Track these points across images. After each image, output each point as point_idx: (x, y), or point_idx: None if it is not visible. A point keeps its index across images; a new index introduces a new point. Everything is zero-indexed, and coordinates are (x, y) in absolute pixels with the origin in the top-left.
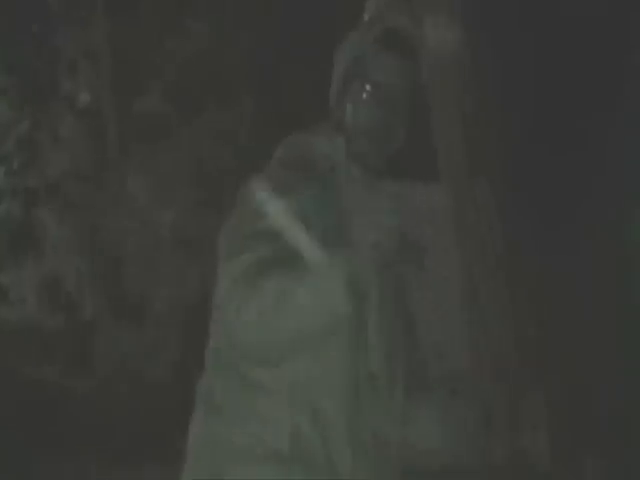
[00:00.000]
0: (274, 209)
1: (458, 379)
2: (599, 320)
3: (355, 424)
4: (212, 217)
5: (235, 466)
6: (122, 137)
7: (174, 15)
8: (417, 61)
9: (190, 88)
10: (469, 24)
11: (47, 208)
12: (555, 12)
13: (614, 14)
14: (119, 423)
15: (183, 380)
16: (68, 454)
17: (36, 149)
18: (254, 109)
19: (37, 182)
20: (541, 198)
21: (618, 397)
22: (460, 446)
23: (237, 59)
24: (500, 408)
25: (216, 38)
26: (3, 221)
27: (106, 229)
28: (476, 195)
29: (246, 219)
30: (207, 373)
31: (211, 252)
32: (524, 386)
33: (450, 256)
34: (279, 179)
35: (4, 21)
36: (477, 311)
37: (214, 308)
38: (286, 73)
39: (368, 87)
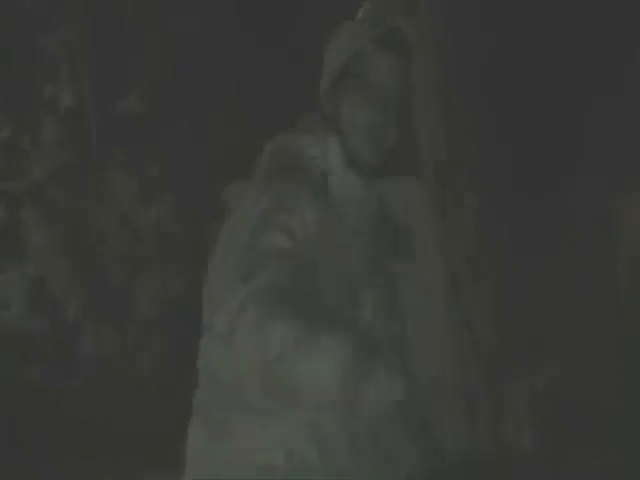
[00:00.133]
0: (270, 223)
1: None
2: (593, 317)
3: (353, 431)
4: (196, 218)
5: (233, 475)
6: (104, 139)
7: (154, 16)
8: (411, 61)
9: (171, 89)
10: (466, 20)
11: (31, 211)
12: (555, 12)
13: (614, 14)
14: (103, 425)
15: (166, 381)
16: (51, 456)
17: (19, 153)
18: (238, 108)
19: (20, 185)
20: (540, 198)
21: (614, 397)
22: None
23: (219, 58)
24: (484, 405)
25: (197, 38)
26: None
27: (89, 230)
28: (458, 191)
29: (243, 230)
30: (201, 388)
31: (195, 253)
32: (508, 383)
33: (433, 252)
34: (276, 188)
35: None
36: (460, 309)
37: (205, 328)
38: (270, 70)
39: (365, 87)
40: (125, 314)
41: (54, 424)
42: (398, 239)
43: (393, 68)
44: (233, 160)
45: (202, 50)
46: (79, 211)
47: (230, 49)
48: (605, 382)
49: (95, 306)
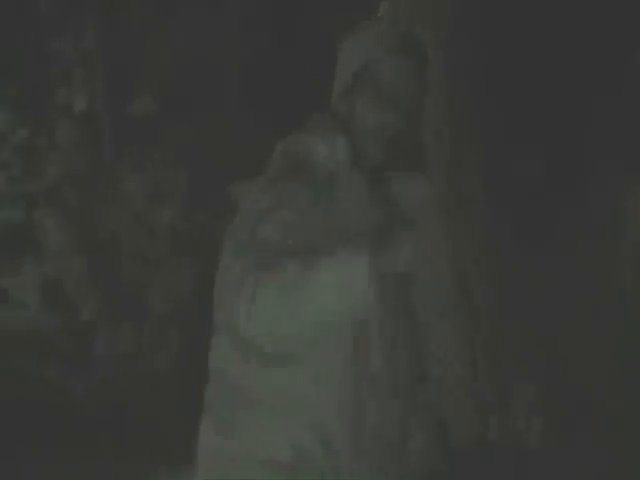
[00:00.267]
0: (273, 220)
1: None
2: (597, 318)
3: (357, 432)
4: (208, 217)
5: (241, 474)
6: (117, 140)
7: (164, 19)
8: (426, 64)
9: (183, 89)
10: (470, 22)
11: (46, 211)
12: (555, 12)
13: (614, 14)
14: (118, 423)
15: (181, 380)
16: (68, 454)
17: (35, 155)
18: (248, 109)
19: (36, 187)
20: (539, 198)
21: (617, 395)
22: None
23: (230, 58)
24: (494, 398)
25: (208, 39)
26: (4, 225)
27: (103, 230)
28: (462, 191)
29: (244, 230)
30: (211, 386)
31: (207, 251)
32: (516, 378)
33: (442, 261)
34: (277, 188)
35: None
36: (468, 309)
37: (215, 327)
38: (283, 69)
39: (380, 88)
40: (140, 313)
41: (72, 423)
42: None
43: (409, 71)
44: (246, 160)
45: (213, 50)
46: (93, 211)
47: (241, 49)
48: (607, 382)
49: (110, 305)
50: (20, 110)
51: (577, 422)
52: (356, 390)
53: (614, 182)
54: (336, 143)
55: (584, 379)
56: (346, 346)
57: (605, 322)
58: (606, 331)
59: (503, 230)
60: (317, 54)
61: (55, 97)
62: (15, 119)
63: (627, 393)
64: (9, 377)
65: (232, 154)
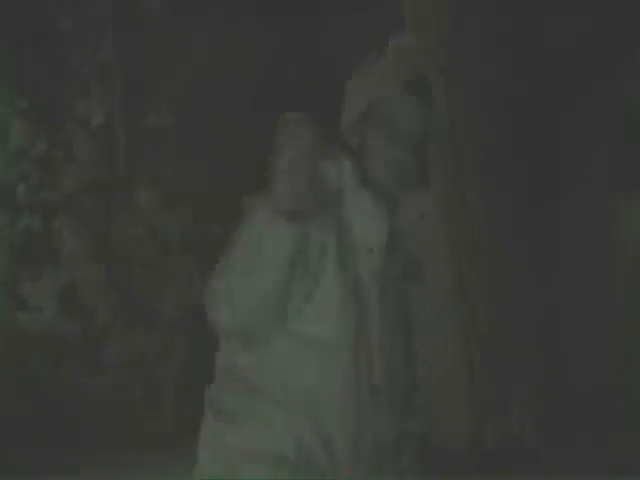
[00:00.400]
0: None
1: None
2: (595, 317)
3: (356, 436)
4: (218, 226)
5: (243, 468)
6: (132, 152)
7: (181, 33)
8: (433, 105)
9: (195, 103)
10: (467, 28)
11: (63, 221)
12: (556, 13)
13: (614, 14)
14: (132, 427)
15: (192, 385)
16: (83, 455)
17: (53, 167)
18: (265, 123)
19: (54, 197)
20: (538, 199)
21: (617, 394)
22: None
23: (244, 71)
24: (490, 399)
25: (220, 53)
26: (23, 234)
27: (118, 239)
28: (462, 191)
29: (237, 246)
30: (216, 384)
31: (217, 259)
32: (512, 378)
33: (441, 262)
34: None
35: (20, 46)
36: (466, 309)
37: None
38: (295, 82)
39: (391, 128)
40: (152, 319)
41: (85, 425)
42: (407, 267)
43: (421, 114)
44: (261, 173)
45: (228, 64)
46: (108, 220)
47: (256, 62)
48: (605, 382)
49: (124, 312)
50: (40, 124)
51: (577, 422)
52: (358, 398)
53: (610, 182)
54: (343, 166)
55: (584, 379)
56: (344, 360)
57: (605, 322)
58: (606, 331)
59: (504, 231)
60: (331, 67)
61: (73, 110)
62: (35, 133)
63: (627, 393)
64: (27, 379)
65: (247, 167)
